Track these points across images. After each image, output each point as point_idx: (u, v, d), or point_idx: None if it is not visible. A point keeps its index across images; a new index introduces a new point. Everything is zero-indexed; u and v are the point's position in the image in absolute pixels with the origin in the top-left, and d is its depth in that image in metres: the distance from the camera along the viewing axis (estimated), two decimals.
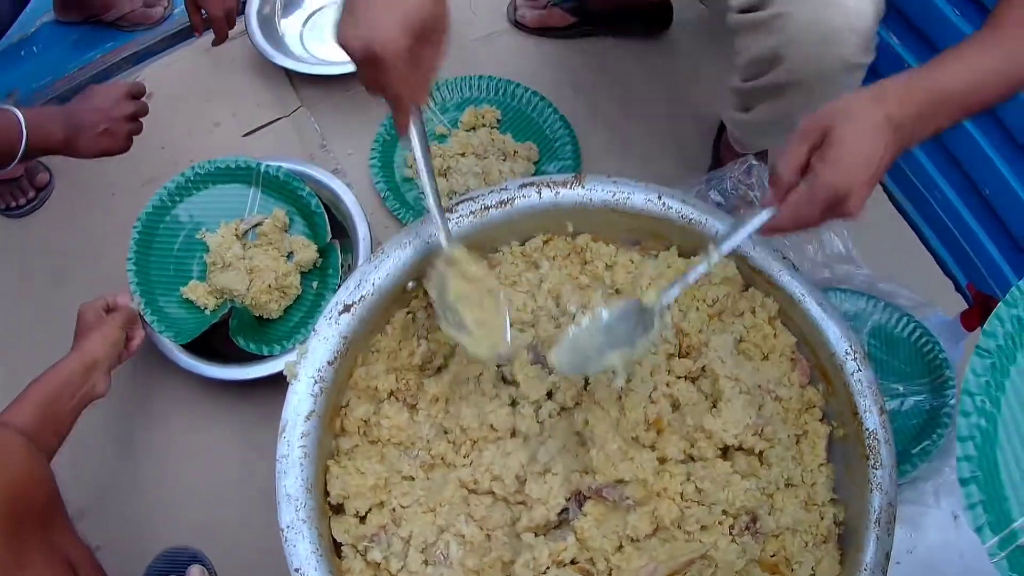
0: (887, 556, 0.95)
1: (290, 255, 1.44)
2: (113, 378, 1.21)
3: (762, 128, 1.31)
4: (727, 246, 0.91)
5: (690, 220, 1.08)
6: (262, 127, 1.74)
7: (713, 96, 1.67)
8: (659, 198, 1.08)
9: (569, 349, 0.95)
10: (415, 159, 0.94)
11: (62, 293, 1.57)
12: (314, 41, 1.85)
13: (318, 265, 1.45)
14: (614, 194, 1.08)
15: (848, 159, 0.82)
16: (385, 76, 0.84)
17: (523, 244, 1.14)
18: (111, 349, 1.22)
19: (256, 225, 1.45)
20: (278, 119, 1.75)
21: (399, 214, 1.58)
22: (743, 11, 1.11)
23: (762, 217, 0.89)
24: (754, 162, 1.40)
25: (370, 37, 0.82)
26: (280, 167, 1.48)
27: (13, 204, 1.63)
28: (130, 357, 1.29)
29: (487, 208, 1.07)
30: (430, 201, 0.97)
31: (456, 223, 1.06)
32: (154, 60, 1.86)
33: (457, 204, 1.07)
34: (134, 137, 1.33)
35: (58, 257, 1.61)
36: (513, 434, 1.04)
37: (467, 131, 1.68)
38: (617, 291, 1.11)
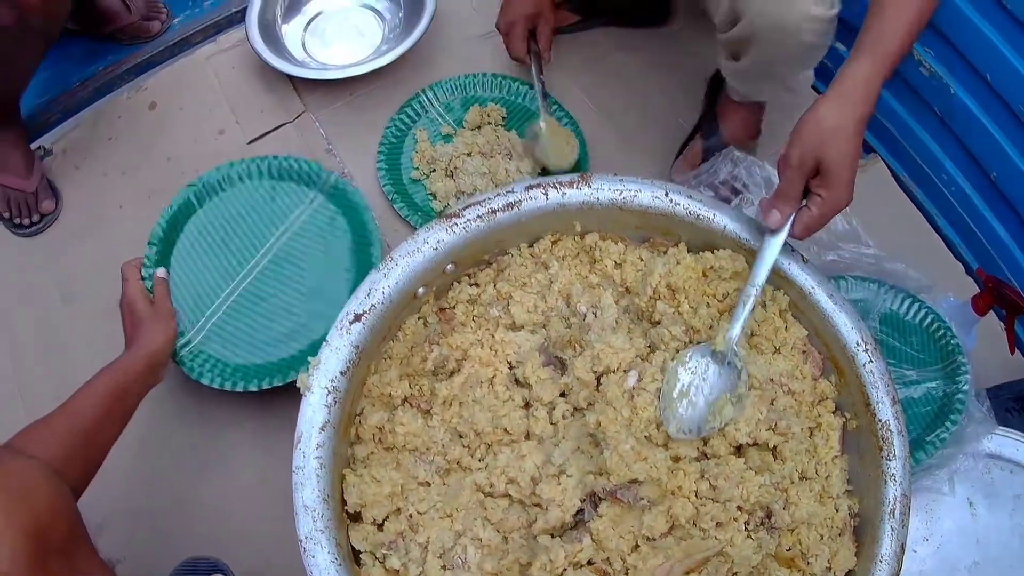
0: (902, 547, 0.96)
1: None
2: None
3: (751, 76, 1.38)
4: (762, 274, 1.01)
5: (698, 216, 1.08)
6: (267, 133, 1.74)
7: None
8: (666, 194, 1.08)
9: (675, 418, 1.00)
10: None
11: (70, 311, 1.57)
12: (316, 45, 1.84)
13: None
14: (621, 192, 1.08)
15: (842, 177, 0.95)
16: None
17: (532, 245, 1.14)
18: (173, 341, 1.28)
19: None
20: (282, 125, 1.75)
21: (407, 216, 1.58)
22: None
23: (782, 236, 1.01)
24: (737, 154, 1.42)
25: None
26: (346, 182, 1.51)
27: (19, 220, 1.63)
28: None
29: (494, 212, 1.07)
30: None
31: (464, 227, 1.06)
32: (156, 71, 1.86)
33: (464, 209, 1.07)
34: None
35: (66, 273, 1.61)
36: (527, 436, 1.04)
37: (472, 130, 1.67)
38: (627, 289, 1.11)
